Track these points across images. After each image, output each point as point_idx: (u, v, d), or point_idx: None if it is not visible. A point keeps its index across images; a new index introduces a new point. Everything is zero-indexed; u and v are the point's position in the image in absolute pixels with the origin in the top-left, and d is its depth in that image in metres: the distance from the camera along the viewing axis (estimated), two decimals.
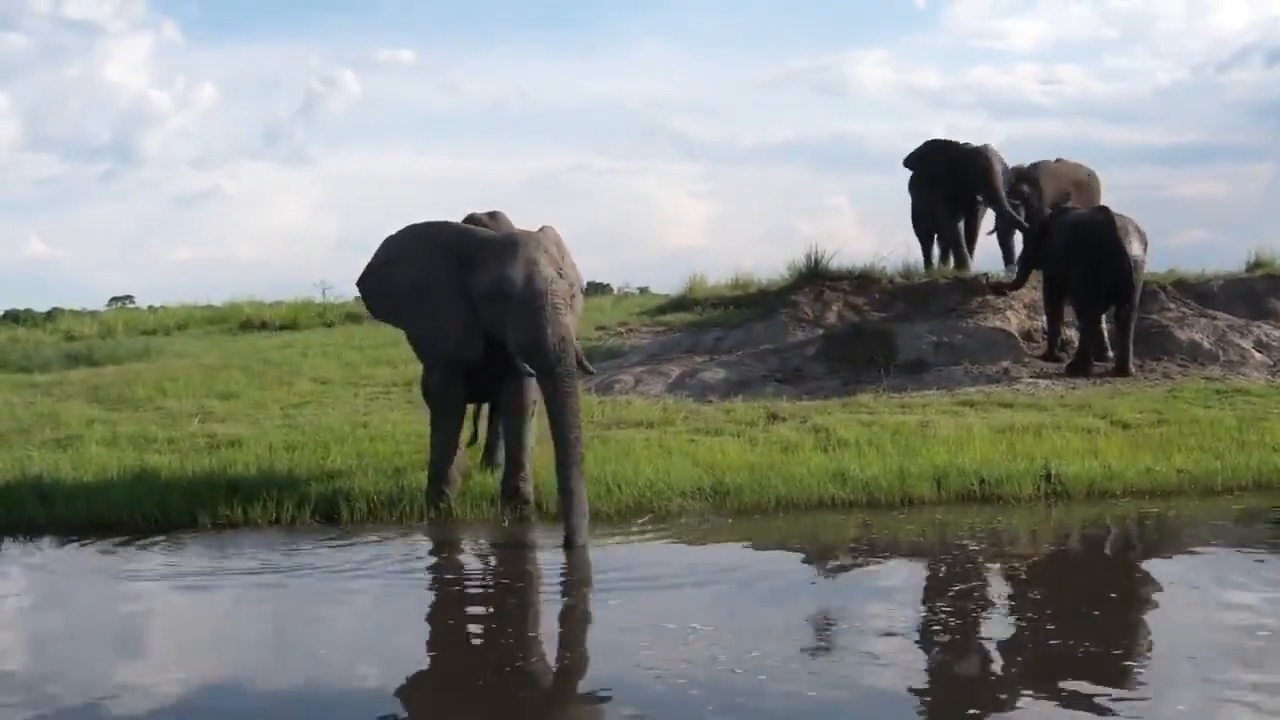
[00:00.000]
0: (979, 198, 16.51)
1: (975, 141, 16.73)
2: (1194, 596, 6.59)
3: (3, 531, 8.45)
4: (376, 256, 9.12)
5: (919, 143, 17.23)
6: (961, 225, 17.16)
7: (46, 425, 11.84)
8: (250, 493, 8.68)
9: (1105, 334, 14.04)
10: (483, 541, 8.31)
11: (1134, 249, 13.49)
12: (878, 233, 59.66)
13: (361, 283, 9.19)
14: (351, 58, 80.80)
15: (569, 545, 7.65)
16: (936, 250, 17.42)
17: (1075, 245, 13.77)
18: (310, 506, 8.55)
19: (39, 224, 73.35)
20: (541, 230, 8.68)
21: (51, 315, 27.69)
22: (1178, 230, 50.99)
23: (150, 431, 11.29)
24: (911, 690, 5.12)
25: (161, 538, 8.16)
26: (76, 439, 11.07)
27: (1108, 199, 16.63)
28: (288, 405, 12.79)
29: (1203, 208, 57.76)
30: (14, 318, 29.08)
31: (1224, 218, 53.44)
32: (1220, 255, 16.96)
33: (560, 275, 8.29)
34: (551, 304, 8.09)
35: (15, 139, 72.43)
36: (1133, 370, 13.56)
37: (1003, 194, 16.07)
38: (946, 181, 16.56)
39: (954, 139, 17.03)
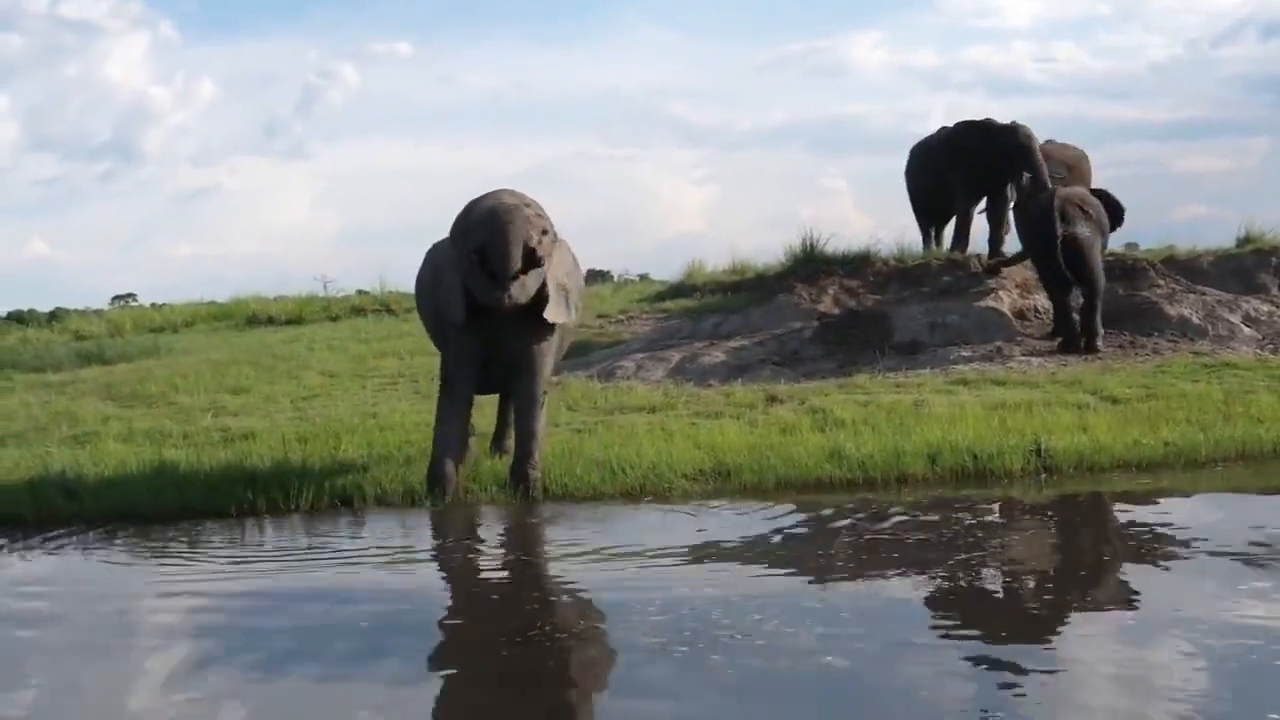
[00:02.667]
0: (1025, 174, 15.81)
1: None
2: None
3: (31, 526, 8.72)
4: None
5: (918, 123, 17.25)
6: (980, 206, 17.05)
7: (63, 423, 12.11)
8: (267, 483, 8.98)
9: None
10: (491, 522, 8.61)
11: (1069, 229, 13.77)
12: (877, 215, 59.98)
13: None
14: (349, 51, 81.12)
15: None
16: (947, 231, 17.51)
17: (1033, 227, 14.25)
18: (326, 495, 8.85)
19: (40, 225, 73.78)
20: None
21: (55, 315, 27.99)
22: (1176, 206, 51.29)
23: (165, 426, 11.58)
24: None
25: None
26: (94, 435, 11.35)
27: (1106, 177, 16.84)
28: (297, 398, 13.09)
29: (1200, 183, 58.09)
30: (17, 318, 29.34)
31: (1222, 192, 53.85)
32: (1218, 230, 17.22)
33: (527, 205, 8.60)
34: (508, 219, 8.38)
35: (15, 140, 72.86)
36: (1099, 347, 13.81)
37: (1044, 173, 15.68)
38: (979, 161, 16.25)
39: (983, 118, 16.75)
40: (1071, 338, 13.97)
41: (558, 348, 9.58)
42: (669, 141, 76.82)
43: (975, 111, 17.17)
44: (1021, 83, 70.18)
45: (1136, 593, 6.20)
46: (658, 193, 71.21)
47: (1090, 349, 13.76)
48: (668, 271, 21.27)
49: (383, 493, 8.96)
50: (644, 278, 27.15)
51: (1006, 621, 5.84)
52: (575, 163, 73.00)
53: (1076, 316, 14.07)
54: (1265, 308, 15.18)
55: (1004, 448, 9.35)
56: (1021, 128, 16.12)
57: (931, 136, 17.47)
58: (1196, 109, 69.61)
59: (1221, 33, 73.11)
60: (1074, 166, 17.31)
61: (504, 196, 8.67)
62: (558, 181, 70.22)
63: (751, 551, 7.22)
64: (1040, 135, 17.36)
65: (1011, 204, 16.10)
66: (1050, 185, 15.41)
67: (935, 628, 5.75)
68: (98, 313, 26.53)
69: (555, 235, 8.89)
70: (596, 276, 27.55)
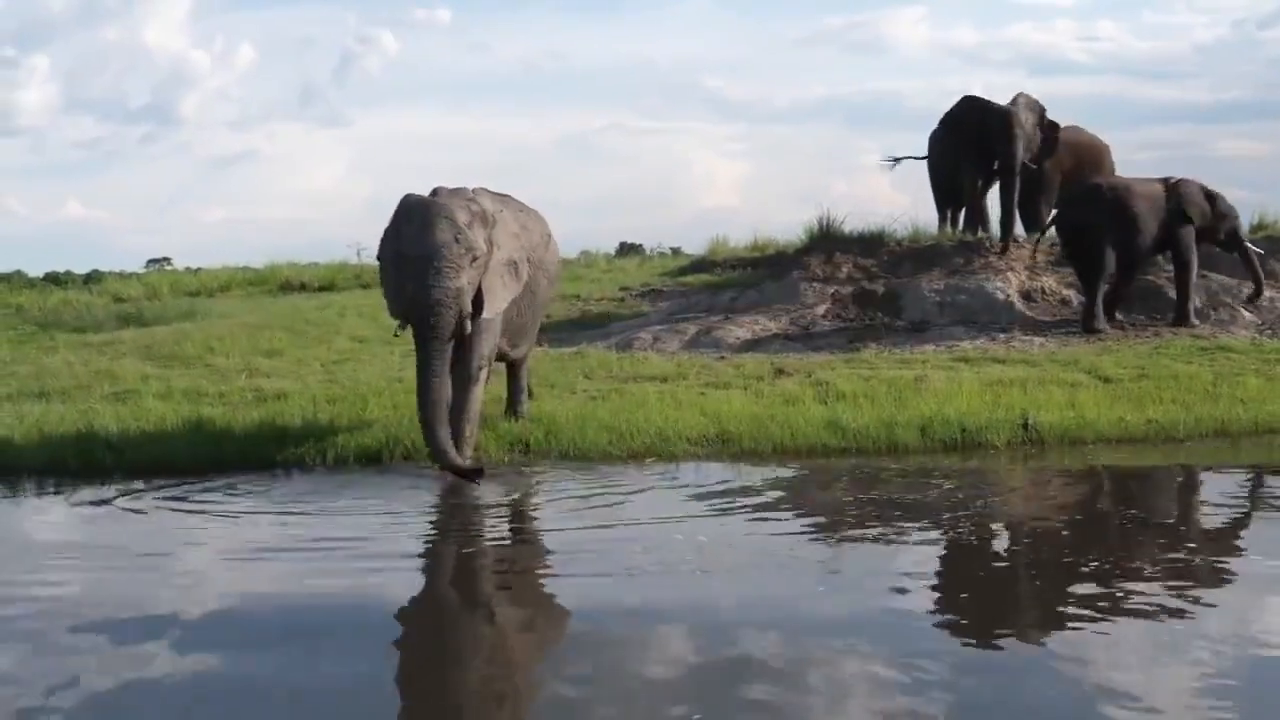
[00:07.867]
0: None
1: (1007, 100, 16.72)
2: None
3: (77, 476, 9.35)
4: None
5: (954, 100, 17.20)
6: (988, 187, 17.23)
7: (104, 382, 12.62)
8: (298, 440, 9.58)
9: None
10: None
11: (1067, 216, 14.28)
12: (912, 192, 59.75)
13: None
14: (388, 17, 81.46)
15: None
16: (961, 212, 17.79)
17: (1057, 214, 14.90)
18: (354, 452, 9.43)
19: (77, 186, 74.67)
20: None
21: (92, 277, 28.60)
22: (1216, 189, 50.91)
23: (202, 386, 12.10)
24: None
25: None
26: (134, 393, 11.88)
27: (1144, 159, 17.25)
28: (328, 362, 13.60)
29: (1243, 166, 57.54)
30: (54, 279, 29.90)
31: (1265, 176, 53.33)
32: (1259, 214, 17.41)
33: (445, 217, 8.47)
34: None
35: (54, 102, 73.68)
36: (1098, 329, 14.20)
37: (1015, 158, 16.07)
38: (977, 140, 16.47)
39: (988, 97, 16.84)
40: (1090, 317, 14.38)
41: (524, 314, 9.77)
42: (704, 115, 77.13)
43: (1013, 89, 17.36)
44: (1062, 61, 69.92)
45: None
46: (692, 167, 71.61)
47: (1090, 330, 14.17)
48: (700, 245, 21.63)
49: (409, 450, 9.47)
50: (676, 251, 27.43)
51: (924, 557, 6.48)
52: (609, 134, 73.47)
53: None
54: (1268, 293, 15.48)
55: (993, 421, 9.81)
56: (1006, 112, 16.34)
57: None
58: (1240, 91, 69.05)
59: (1269, 13, 72.41)
60: (1087, 153, 17.58)
61: (418, 228, 8.49)
62: (591, 153, 70.77)
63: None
64: (1072, 117, 17.62)
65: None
66: (1016, 172, 15.91)
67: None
68: (134, 276, 27.17)
69: (485, 212, 8.81)
70: (629, 249, 28.02)
